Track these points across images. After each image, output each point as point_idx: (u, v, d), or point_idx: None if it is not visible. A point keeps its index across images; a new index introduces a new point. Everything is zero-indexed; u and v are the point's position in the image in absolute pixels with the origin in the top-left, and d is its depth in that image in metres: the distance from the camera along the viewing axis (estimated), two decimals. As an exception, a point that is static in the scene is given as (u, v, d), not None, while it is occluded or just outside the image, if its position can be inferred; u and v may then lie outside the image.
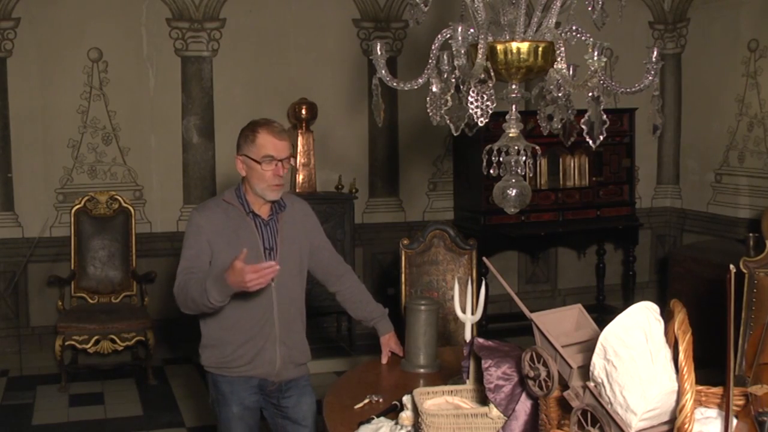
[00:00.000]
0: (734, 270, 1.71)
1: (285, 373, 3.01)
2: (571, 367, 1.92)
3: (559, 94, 2.20)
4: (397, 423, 2.40)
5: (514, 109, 2.24)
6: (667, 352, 1.82)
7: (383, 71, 2.21)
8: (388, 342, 3.23)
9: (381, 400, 2.67)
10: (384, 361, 3.20)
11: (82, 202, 5.71)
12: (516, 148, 2.21)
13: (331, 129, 6.30)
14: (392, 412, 2.53)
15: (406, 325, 3.14)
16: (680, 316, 1.74)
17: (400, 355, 3.19)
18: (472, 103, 2.05)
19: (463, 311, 2.95)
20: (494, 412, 2.14)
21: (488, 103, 2.05)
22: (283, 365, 2.99)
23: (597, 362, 1.83)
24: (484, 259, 2.62)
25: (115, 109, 5.98)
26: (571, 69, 2.21)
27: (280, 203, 3.01)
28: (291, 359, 3.01)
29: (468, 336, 2.91)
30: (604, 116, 2.03)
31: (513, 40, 2.13)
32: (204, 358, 3.02)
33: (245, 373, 2.96)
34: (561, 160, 6.51)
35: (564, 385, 1.95)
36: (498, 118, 2.18)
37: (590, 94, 2.02)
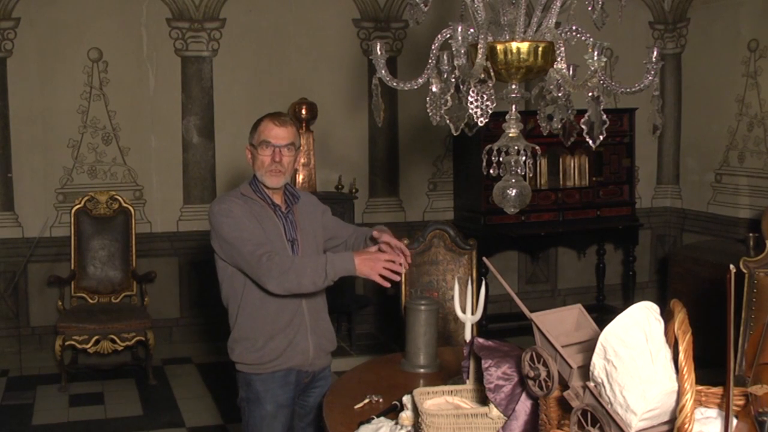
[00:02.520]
0: (734, 270, 1.71)
1: (318, 362, 3.01)
2: (571, 367, 1.92)
3: (559, 94, 2.20)
4: (397, 423, 2.40)
5: (514, 109, 2.24)
6: (667, 352, 1.82)
7: (383, 71, 2.21)
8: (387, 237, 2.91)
9: (381, 400, 2.67)
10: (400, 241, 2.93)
11: (82, 202, 5.71)
12: (516, 148, 2.21)
13: (331, 129, 6.30)
14: (392, 412, 2.54)
15: (406, 325, 3.14)
16: (680, 316, 1.75)
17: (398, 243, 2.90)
18: (472, 103, 2.05)
19: (463, 311, 2.95)
20: (494, 412, 2.14)
21: (488, 103, 2.05)
22: (316, 354, 2.99)
23: (597, 362, 1.83)
24: (484, 259, 2.62)
25: (115, 109, 5.98)
26: (571, 69, 2.21)
27: (294, 194, 3.01)
28: (321, 347, 3.02)
29: (468, 336, 2.91)
30: (604, 116, 2.03)
31: (513, 40, 2.13)
32: (236, 355, 2.95)
33: (280, 367, 2.91)
34: (561, 160, 6.51)
35: (564, 385, 1.95)
36: (498, 118, 2.18)
37: (590, 94, 2.02)
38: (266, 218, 2.91)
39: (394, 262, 2.66)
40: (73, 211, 5.69)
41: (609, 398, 1.81)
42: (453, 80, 2.19)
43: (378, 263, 2.63)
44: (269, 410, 2.92)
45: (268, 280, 2.73)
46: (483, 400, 2.25)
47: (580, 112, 2.12)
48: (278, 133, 2.89)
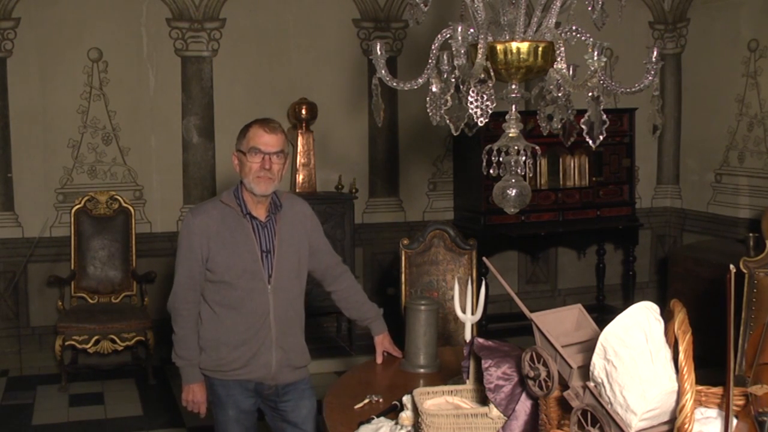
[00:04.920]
0: (734, 270, 1.71)
1: (281, 377, 2.99)
2: (571, 367, 1.92)
3: (559, 94, 2.20)
4: (397, 423, 2.41)
5: (514, 109, 2.24)
6: (667, 352, 1.82)
7: (383, 71, 2.21)
8: (382, 342, 3.24)
9: (381, 400, 2.67)
10: (379, 361, 3.22)
11: (82, 202, 5.71)
12: (516, 148, 2.21)
13: (331, 129, 6.29)
14: (392, 412, 2.54)
15: (406, 325, 3.14)
16: (680, 316, 1.75)
17: (395, 355, 3.20)
18: (472, 103, 2.05)
19: (463, 311, 2.95)
20: (494, 412, 2.14)
21: (488, 103, 2.05)
22: (279, 369, 2.96)
23: (597, 362, 1.83)
24: (484, 259, 2.62)
25: (115, 109, 5.98)
26: (571, 69, 2.21)
27: (276, 203, 2.98)
28: (288, 362, 2.99)
29: (468, 336, 2.92)
30: (604, 116, 2.02)
31: (513, 40, 2.13)
32: (200, 360, 3.00)
33: (241, 377, 2.94)
34: (561, 160, 6.51)
35: (564, 385, 1.96)
36: (498, 118, 2.18)
37: (590, 94, 2.02)
38: (239, 229, 2.90)
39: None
40: (73, 211, 5.70)
41: (609, 398, 1.81)
42: (453, 80, 2.18)
43: (198, 405, 3.03)
44: (231, 415, 2.97)
45: (170, 300, 3.07)
46: (483, 400, 2.25)
47: (580, 112, 2.11)
48: (268, 140, 2.86)
